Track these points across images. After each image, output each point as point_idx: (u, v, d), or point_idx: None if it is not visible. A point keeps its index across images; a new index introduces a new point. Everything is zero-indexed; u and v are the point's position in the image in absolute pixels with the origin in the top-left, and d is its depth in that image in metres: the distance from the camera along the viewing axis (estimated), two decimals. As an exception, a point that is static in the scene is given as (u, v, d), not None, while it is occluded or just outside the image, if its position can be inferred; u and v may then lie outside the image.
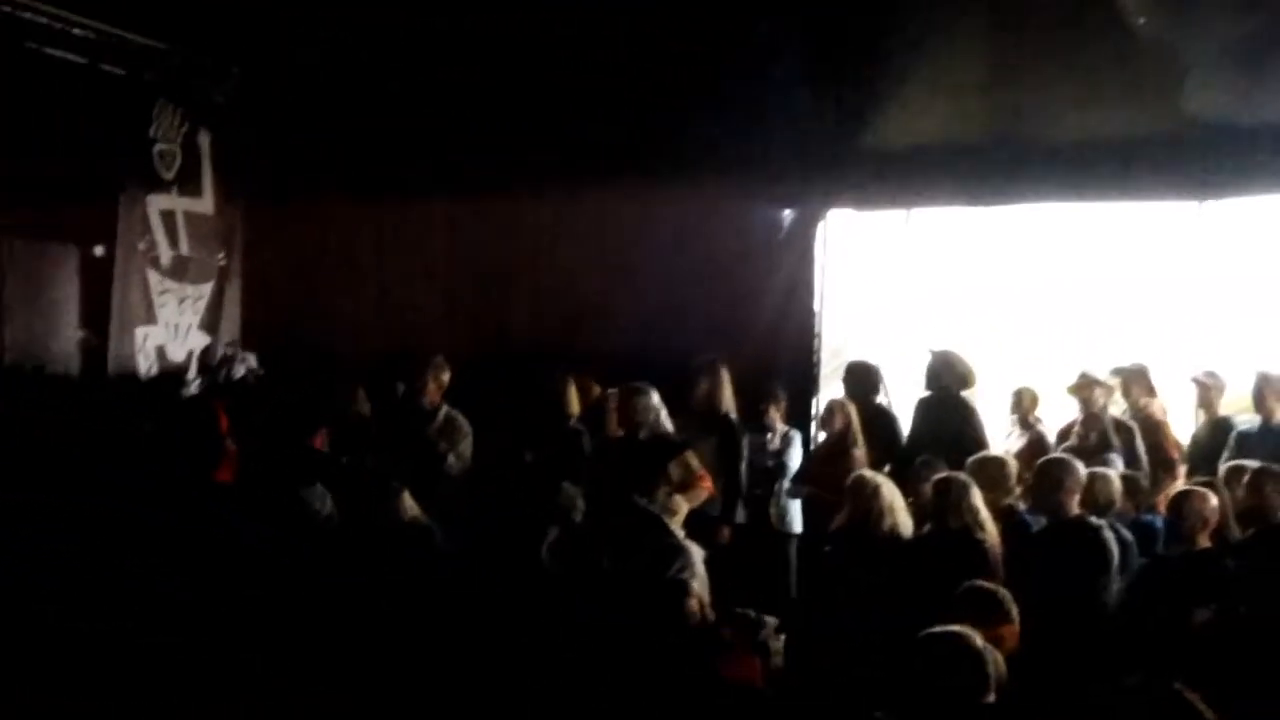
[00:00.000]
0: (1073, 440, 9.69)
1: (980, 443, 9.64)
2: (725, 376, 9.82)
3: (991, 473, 8.23)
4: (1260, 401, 9.73)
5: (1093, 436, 9.47)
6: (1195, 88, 10.30)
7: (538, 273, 12.44)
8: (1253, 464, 8.49)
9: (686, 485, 8.12)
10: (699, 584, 6.99)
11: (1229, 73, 10.02)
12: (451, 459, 9.37)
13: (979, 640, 5.28)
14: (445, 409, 9.70)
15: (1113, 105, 10.54)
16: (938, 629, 5.39)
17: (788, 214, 12.15)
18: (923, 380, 10.28)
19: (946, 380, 10.10)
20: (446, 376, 9.76)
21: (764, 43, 10.73)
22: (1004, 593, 6.33)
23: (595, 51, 10.99)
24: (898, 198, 12.01)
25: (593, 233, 12.29)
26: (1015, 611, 6.22)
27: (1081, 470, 7.82)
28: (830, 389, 11.63)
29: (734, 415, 9.83)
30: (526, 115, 11.57)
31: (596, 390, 10.08)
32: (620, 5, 10.57)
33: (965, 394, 10.22)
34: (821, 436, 10.64)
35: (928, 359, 10.26)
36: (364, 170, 11.77)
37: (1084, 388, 10.10)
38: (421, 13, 10.46)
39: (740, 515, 9.82)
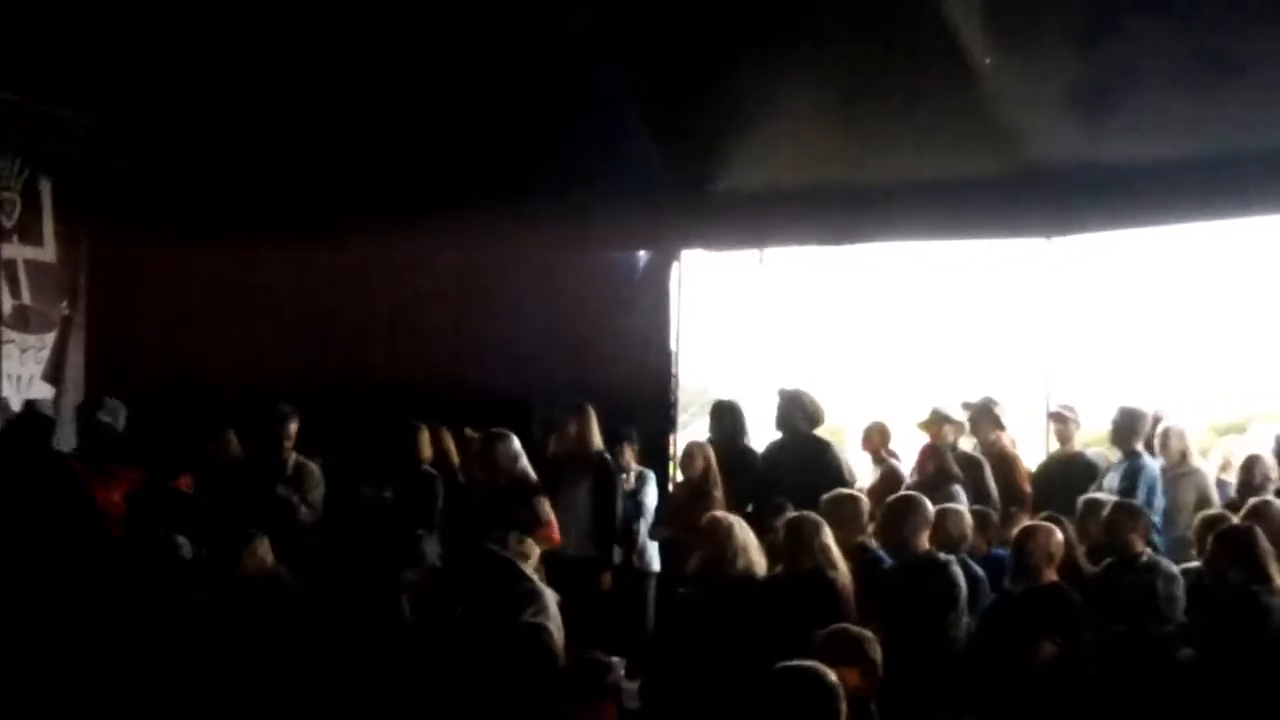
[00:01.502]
0: (914, 474, 9.78)
1: (843, 477, 9.68)
2: (593, 418, 9.79)
3: (844, 511, 8.24)
4: (1064, 433, 10.16)
5: (930, 467, 9.54)
6: (1042, 127, 10.47)
7: (392, 315, 12.36)
8: (1109, 498, 8.65)
9: (529, 530, 8.11)
10: (554, 627, 6.96)
11: (1075, 112, 10.17)
12: (304, 510, 9.25)
13: (832, 676, 5.26)
14: (295, 458, 9.58)
15: (961, 145, 10.66)
16: (791, 663, 5.36)
17: (642, 256, 12.21)
18: (774, 421, 10.27)
19: (797, 420, 10.11)
20: (294, 426, 9.64)
21: (615, 87, 10.74)
22: (865, 635, 6.29)
23: (445, 98, 10.93)
24: (751, 239, 12.10)
25: (447, 277, 12.24)
26: (875, 654, 6.18)
27: (929, 506, 7.89)
28: (693, 428, 11.68)
29: (608, 456, 9.80)
30: (378, 159, 11.47)
31: (449, 436, 10.04)
32: (469, 52, 10.52)
33: (818, 432, 10.25)
34: (680, 477, 10.61)
35: (777, 400, 10.26)
36: (213, 214, 11.56)
37: (934, 423, 10.20)
38: (268, 55, 10.34)
39: (617, 555, 9.81)
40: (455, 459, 10.06)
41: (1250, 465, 9.27)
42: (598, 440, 9.72)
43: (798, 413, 10.09)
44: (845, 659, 5.95)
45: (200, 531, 8.12)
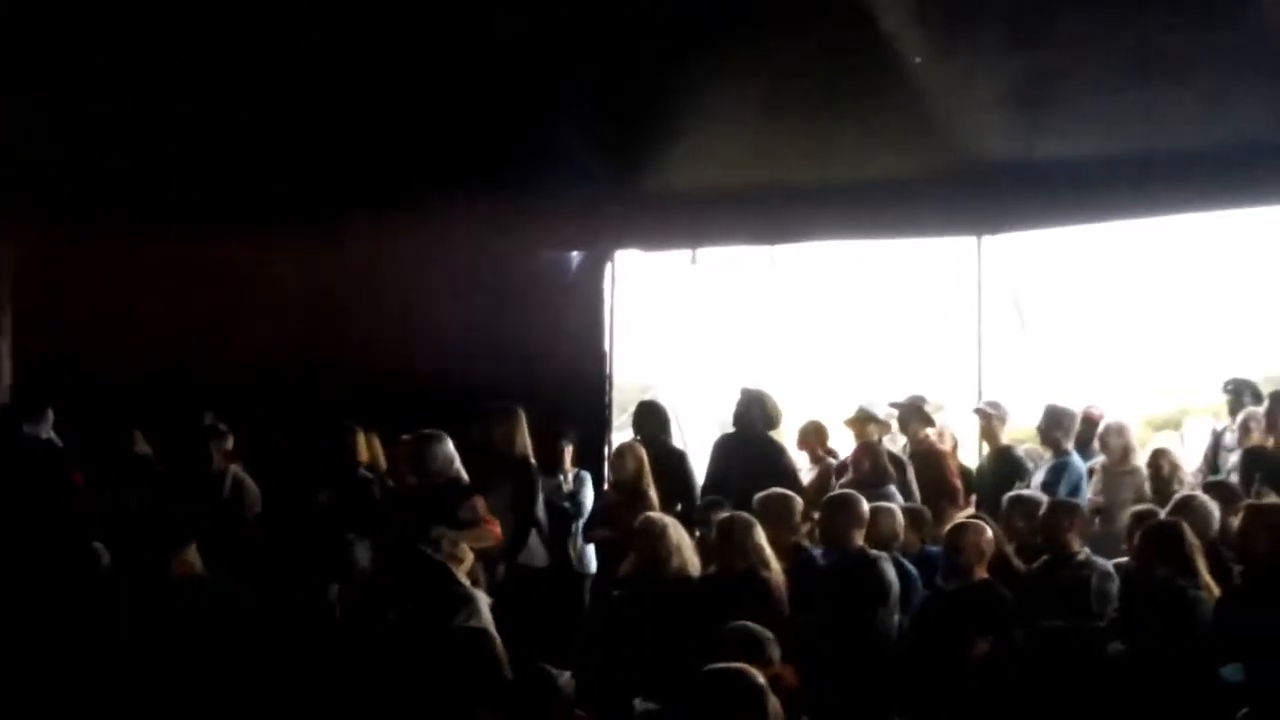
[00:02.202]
0: (849, 473, 9.76)
1: (796, 480, 9.68)
2: (523, 421, 9.74)
3: (776, 510, 8.24)
4: (990, 430, 10.14)
5: (865, 465, 9.52)
6: (972, 126, 10.50)
7: (328, 317, 12.22)
8: (1035, 494, 8.70)
9: (471, 528, 8.09)
10: (490, 632, 6.94)
11: (1004, 111, 10.23)
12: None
13: (760, 678, 5.26)
14: (232, 472, 9.60)
15: (892, 144, 10.69)
16: (719, 665, 5.36)
17: (575, 256, 12.20)
18: (731, 418, 10.23)
19: (755, 419, 10.08)
20: (229, 443, 9.62)
21: (547, 89, 10.69)
22: (765, 634, 6.29)
23: (377, 96, 10.84)
24: (683, 239, 12.13)
25: (380, 279, 12.15)
26: (776, 652, 6.19)
27: (864, 505, 7.91)
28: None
29: (531, 459, 9.75)
30: (307, 157, 11.34)
31: (376, 440, 10.00)
32: (403, 51, 10.45)
33: (773, 433, 10.24)
34: (612, 479, 10.57)
35: (738, 397, 10.21)
36: (138, 217, 11.38)
37: (859, 422, 10.22)
38: (209, 47, 10.20)
39: (543, 558, 9.75)
40: (383, 463, 10.01)
41: (1156, 459, 9.29)
42: (525, 443, 9.66)
43: (756, 411, 10.06)
44: (761, 659, 5.94)
45: (117, 537, 8.02)
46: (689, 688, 5.13)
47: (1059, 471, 9.52)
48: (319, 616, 7.53)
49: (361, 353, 11.83)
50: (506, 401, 9.83)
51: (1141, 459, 9.65)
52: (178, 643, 7.06)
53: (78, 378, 11.19)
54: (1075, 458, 9.58)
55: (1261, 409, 9.63)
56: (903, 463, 9.85)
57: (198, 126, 10.84)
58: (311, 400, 11.01)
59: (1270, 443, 9.37)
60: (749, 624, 6.35)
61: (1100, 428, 9.77)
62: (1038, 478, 9.57)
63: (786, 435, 10.84)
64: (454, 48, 10.07)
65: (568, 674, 6.31)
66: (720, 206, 11.48)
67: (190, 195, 11.34)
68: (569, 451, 10.58)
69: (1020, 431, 10.76)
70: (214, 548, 7.95)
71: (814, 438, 10.66)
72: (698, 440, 11.17)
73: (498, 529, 8.54)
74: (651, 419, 10.36)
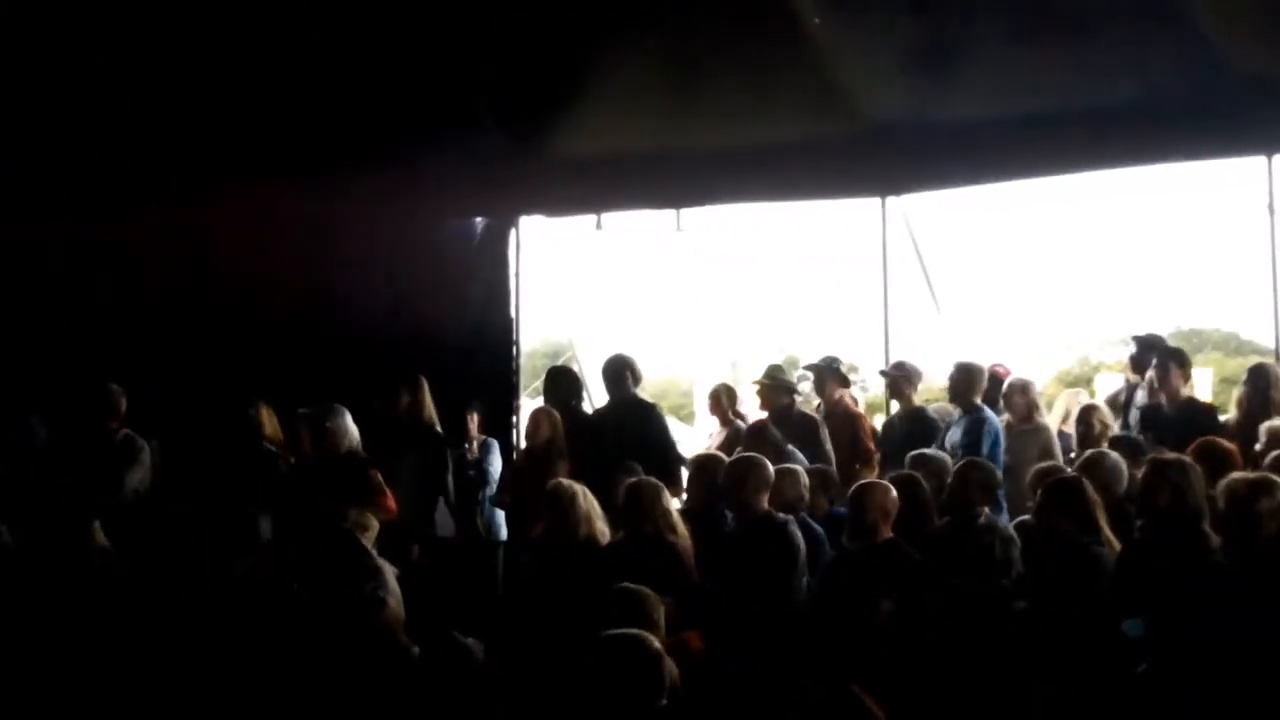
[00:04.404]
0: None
1: (667, 445, 9.68)
2: (426, 389, 9.68)
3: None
4: (897, 390, 10.11)
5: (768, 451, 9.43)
6: (874, 87, 10.51)
7: (226, 289, 12.03)
8: (939, 454, 8.71)
9: (368, 502, 8.05)
10: (394, 602, 6.87)
11: (906, 72, 10.24)
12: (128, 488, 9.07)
13: (655, 644, 5.25)
14: (123, 433, 9.47)
15: (793, 106, 10.71)
16: (614, 632, 5.35)
17: (479, 223, 12.11)
18: (604, 386, 10.17)
19: (624, 383, 10.02)
20: (123, 404, 9.49)
21: (449, 56, 10.61)
22: (647, 593, 6.26)
23: (280, 61, 10.70)
24: (586, 204, 12.08)
25: (283, 248, 11.97)
26: (661, 611, 6.16)
27: (770, 468, 7.89)
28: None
29: (438, 428, 9.70)
30: (210, 128, 11.17)
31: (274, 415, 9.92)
32: (306, 15, 10.32)
33: (642, 395, 10.17)
34: (525, 444, 10.53)
35: (605, 366, 10.12)
36: (35, 188, 11.19)
37: (768, 386, 10.19)
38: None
39: (451, 528, 9.73)
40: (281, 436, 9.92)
41: (1087, 416, 9.29)
42: (431, 413, 9.61)
43: (628, 375, 10.00)
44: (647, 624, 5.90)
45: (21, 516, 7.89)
46: (585, 655, 5.12)
47: (977, 430, 9.42)
48: (225, 591, 7.45)
49: (264, 323, 11.66)
50: (411, 370, 9.77)
51: (1046, 416, 9.71)
52: (89, 623, 6.96)
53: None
54: (989, 413, 9.53)
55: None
56: (815, 422, 9.85)
57: (79, 87, 10.62)
58: (212, 372, 10.85)
59: (1163, 399, 9.41)
60: (629, 585, 6.31)
61: (1004, 386, 9.77)
62: (954, 436, 9.51)
63: (700, 395, 10.85)
64: (357, 13, 9.97)
65: (479, 644, 6.30)
66: (624, 171, 11.43)
67: (84, 163, 11.12)
68: (475, 420, 10.52)
69: (930, 391, 10.80)
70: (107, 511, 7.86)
71: (725, 400, 10.63)
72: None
73: (392, 503, 8.49)
74: (562, 385, 10.30)
